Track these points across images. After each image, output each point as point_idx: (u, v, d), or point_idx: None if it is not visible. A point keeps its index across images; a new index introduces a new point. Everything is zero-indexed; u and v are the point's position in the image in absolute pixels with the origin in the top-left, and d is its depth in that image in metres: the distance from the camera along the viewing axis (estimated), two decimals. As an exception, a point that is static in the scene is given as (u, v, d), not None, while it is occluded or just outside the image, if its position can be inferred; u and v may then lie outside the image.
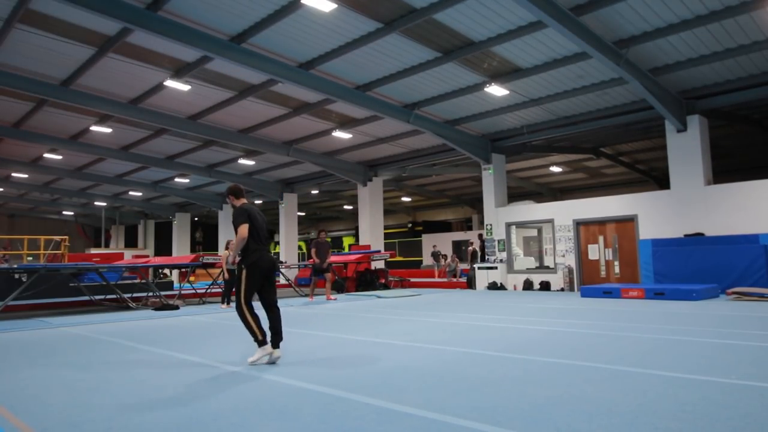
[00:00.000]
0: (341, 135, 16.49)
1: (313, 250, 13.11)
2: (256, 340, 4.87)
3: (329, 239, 40.70)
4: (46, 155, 19.55)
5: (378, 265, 18.46)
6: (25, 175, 23.26)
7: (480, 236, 17.73)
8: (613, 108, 13.92)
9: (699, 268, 12.18)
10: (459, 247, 20.56)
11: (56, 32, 10.05)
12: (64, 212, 34.84)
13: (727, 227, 12.16)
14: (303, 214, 35.76)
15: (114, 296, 12.92)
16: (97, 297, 13.40)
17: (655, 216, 13.42)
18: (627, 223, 14.07)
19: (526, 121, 15.33)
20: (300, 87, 11.83)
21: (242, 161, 20.24)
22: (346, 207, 34.43)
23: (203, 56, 10.97)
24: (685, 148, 12.94)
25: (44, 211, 34.34)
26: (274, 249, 37.05)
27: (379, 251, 18.35)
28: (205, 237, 36.34)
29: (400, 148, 18.64)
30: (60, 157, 19.91)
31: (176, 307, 11.21)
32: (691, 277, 12.22)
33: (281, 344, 5.02)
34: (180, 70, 11.81)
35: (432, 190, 28.29)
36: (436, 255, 24.56)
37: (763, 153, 18.66)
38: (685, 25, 9.68)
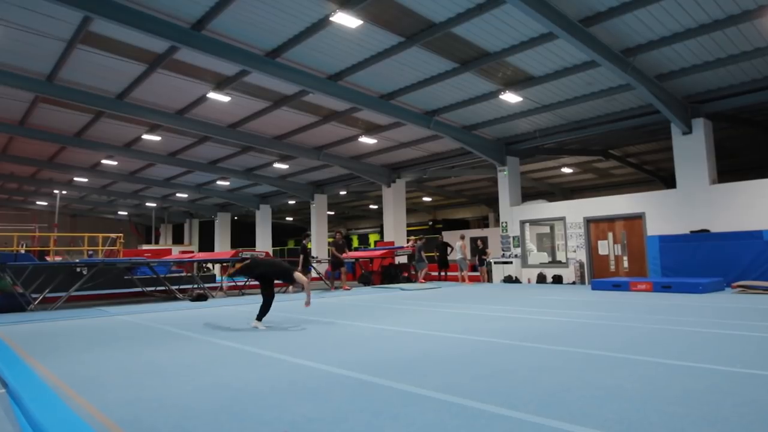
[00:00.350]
0: (367, 140, 16.51)
1: (332, 250, 14.35)
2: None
3: (354, 237, 40.90)
4: (104, 161, 20.04)
5: (401, 260, 18.45)
6: (85, 180, 23.91)
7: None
8: (621, 113, 13.62)
9: (705, 262, 11.85)
10: (474, 243, 20.33)
11: (112, 51, 10.30)
12: (119, 212, 35.68)
13: (732, 224, 11.81)
14: (332, 213, 35.90)
15: (163, 288, 13.19)
16: (149, 288, 13.69)
17: (662, 214, 13.11)
18: (635, 220, 13.78)
19: (539, 126, 15.12)
20: (329, 97, 11.89)
21: (277, 165, 20.42)
22: (371, 206, 34.47)
23: (242, 70, 11.11)
24: (691, 150, 12.61)
25: (102, 211, 35.22)
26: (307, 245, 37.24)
27: (402, 247, 18.33)
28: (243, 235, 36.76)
29: (421, 152, 18.59)
30: (115, 163, 20.39)
31: (205, 298, 11.42)
32: (697, 271, 11.89)
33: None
34: (221, 83, 11.98)
35: (451, 191, 28.13)
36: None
37: (765, 153, 18.04)
38: (689, 34, 9.42)
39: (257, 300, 7.45)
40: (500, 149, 16.51)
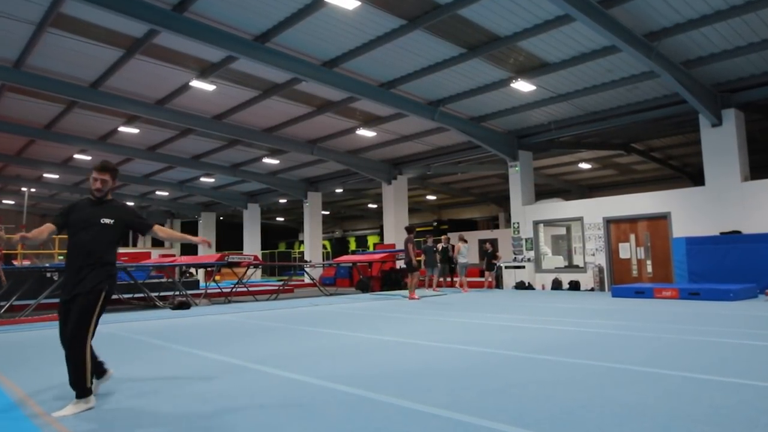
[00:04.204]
0: (365, 133, 16.52)
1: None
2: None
3: (351, 239, 40.94)
4: (76, 156, 20.07)
5: (402, 264, 18.44)
6: (56, 176, 23.89)
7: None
8: (643, 102, 13.64)
9: (736, 267, 11.85)
10: (483, 246, 20.30)
11: (85, 35, 10.30)
12: (94, 212, 35.66)
13: (766, 225, 11.81)
14: (327, 213, 35.93)
15: (141, 295, 13.20)
16: (125, 296, 13.70)
17: (690, 213, 13.11)
18: (659, 220, 13.79)
19: (554, 117, 15.13)
20: (324, 85, 11.90)
21: (266, 160, 20.44)
22: (370, 206, 34.50)
23: (228, 56, 11.11)
24: (721, 143, 12.62)
25: (74, 211, 35.20)
26: (299, 248, 37.31)
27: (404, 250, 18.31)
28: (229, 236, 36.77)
29: (425, 146, 18.60)
30: (89, 158, 20.39)
31: (188, 306, 11.41)
32: (727, 276, 11.89)
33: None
34: (205, 71, 11.99)
35: (457, 188, 28.16)
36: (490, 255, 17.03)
37: (803, 147, 18.07)
38: (719, 16, 9.43)
39: (244, 308, 7.45)
40: (511, 143, 16.52)
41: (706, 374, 4.09)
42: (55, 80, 12.02)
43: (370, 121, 15.87)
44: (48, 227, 3.75)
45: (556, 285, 15.39)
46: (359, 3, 8.97)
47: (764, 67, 11.55)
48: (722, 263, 12.07)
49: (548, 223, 16.40)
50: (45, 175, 23.59)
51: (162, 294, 13.78)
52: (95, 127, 16.45)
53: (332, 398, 3.66)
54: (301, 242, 31.78)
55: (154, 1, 8.97)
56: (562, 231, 17.22)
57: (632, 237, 14.34)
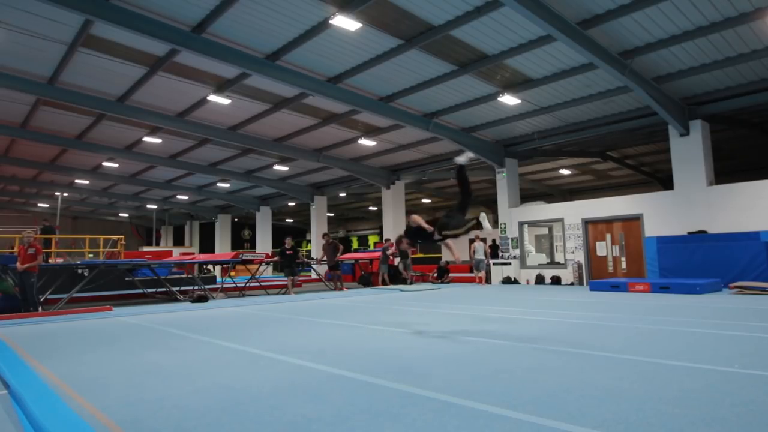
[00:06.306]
0: (366, 142, 16.52)
1: (322, 253, 14.43)
2: None
3: (354, 239, 40.86)
4: (105, 163, 20.03)
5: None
6: (87, 182, 23.87)
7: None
8: (618, 114, 13.65)
9: (702, 263, 11.86)
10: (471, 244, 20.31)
11: (113, 54, 10.31)
12: (120, 214, 35.62)
13: (729, 225, 11.82)
14: (332, 214, 35.86)
15: (164, 289, 13.17)
16: (149, 290, 13.68)
17: (660, 215, 13.12)
18: (633, 221, 13.79)
19: (537, 128, 15.14)
20: (329, 99, 11.89)
21: (277, 167, 20.42)
22: (371, 208, 34.45)
23: (242, 73, 11.11)
24: (688, 152, 12.63)
25: (103, 213, 35.15)
26: (306, 247, 37.34)
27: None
28: (252, 236, 36.64)
29: (420, 154, 18.59)
30: (116, 165, 20.37)
31: (206, 299, 11.39)
32: (694, 272, 11.89)
33: None
34: (221, 86, 11.99)
35: (450, 192, 28.09)
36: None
37: (762, 155, 18.07)
38: (687, 36, 9.45)
39: (256, 301, 7.44)
40: (499, 151, 16.52)
41: (676, 360, 4.09)
42: (86, 95, 12.01)
43: (370, 131, 15.87)
44: None
45: (540, 280, 15.38)
46: (360, 25, 8.99)
47: (728, 82, 11.56)
48: (690, 260, 12.07)
49: (532, 223, 16.40)
50: (76, 180, 23.56)
51: (182, 288, 13.76)
52: (122, 138, 16.43)
53: (337, 383, 3.66)
54: (309, 241, 31.79)
55: (174, 23, 8.98)
56: (545, 231, 17.20)
57: (608, 236, 14.34)
